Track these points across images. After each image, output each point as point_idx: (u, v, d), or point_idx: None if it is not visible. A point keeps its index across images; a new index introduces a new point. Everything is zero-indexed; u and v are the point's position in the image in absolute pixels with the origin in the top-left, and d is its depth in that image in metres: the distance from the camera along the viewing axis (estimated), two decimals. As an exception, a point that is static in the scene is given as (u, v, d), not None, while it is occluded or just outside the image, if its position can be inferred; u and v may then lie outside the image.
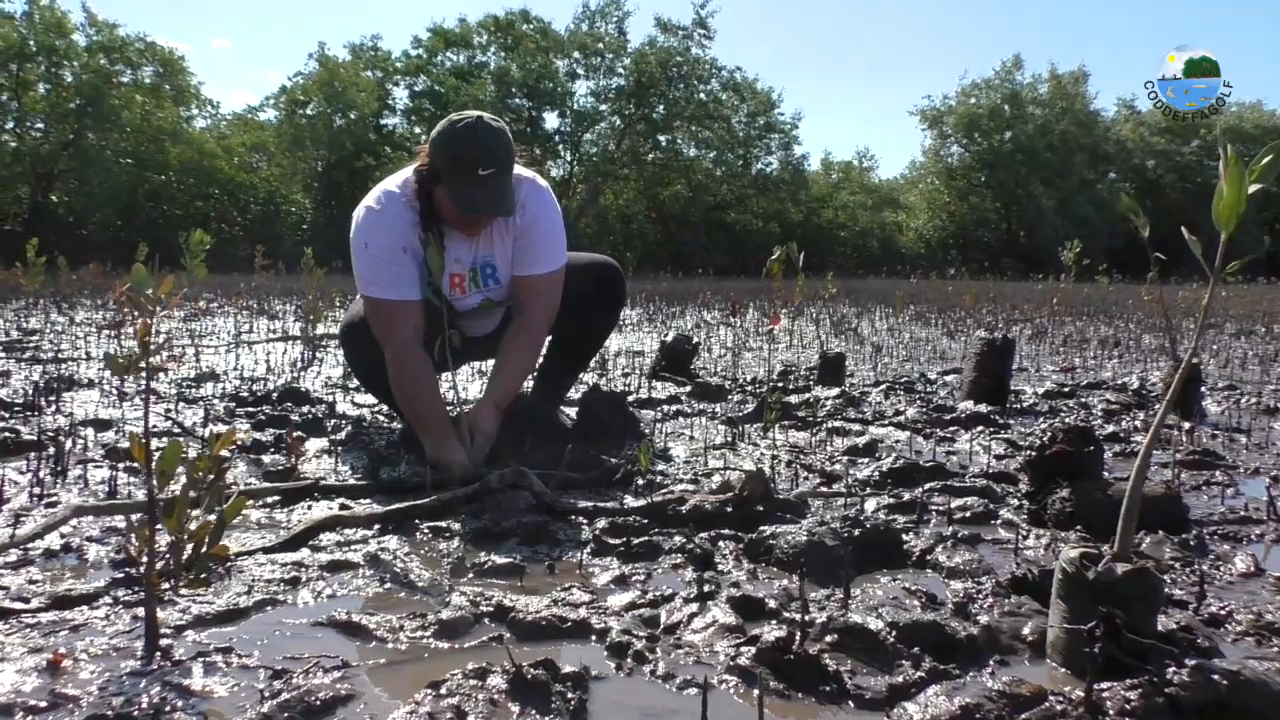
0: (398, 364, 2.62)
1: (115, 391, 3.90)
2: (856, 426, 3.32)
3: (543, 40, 35.01)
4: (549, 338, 3.25)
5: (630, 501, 2.24)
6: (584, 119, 35.60)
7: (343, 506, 2.18)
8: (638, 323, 9.02)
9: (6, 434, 2.80)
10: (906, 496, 2.29)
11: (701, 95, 35.83)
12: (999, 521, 2.16)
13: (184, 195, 30.33)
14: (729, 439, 3.09)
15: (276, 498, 2.23)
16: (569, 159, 36.05)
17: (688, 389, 4.23)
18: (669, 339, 4.79)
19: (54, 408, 3.52)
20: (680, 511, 2.08)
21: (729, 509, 2.09)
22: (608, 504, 2.17)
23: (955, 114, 41.30)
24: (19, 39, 27.69)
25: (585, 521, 2.08)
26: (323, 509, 2.17)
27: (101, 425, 3.10)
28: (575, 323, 2.97)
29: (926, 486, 2.38)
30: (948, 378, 4.82)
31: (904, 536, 1.95)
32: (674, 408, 3.68)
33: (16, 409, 3.38)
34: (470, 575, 1.76)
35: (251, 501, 2.19)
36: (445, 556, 1.86)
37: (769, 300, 11.87)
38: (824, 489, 2.42)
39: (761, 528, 1.93)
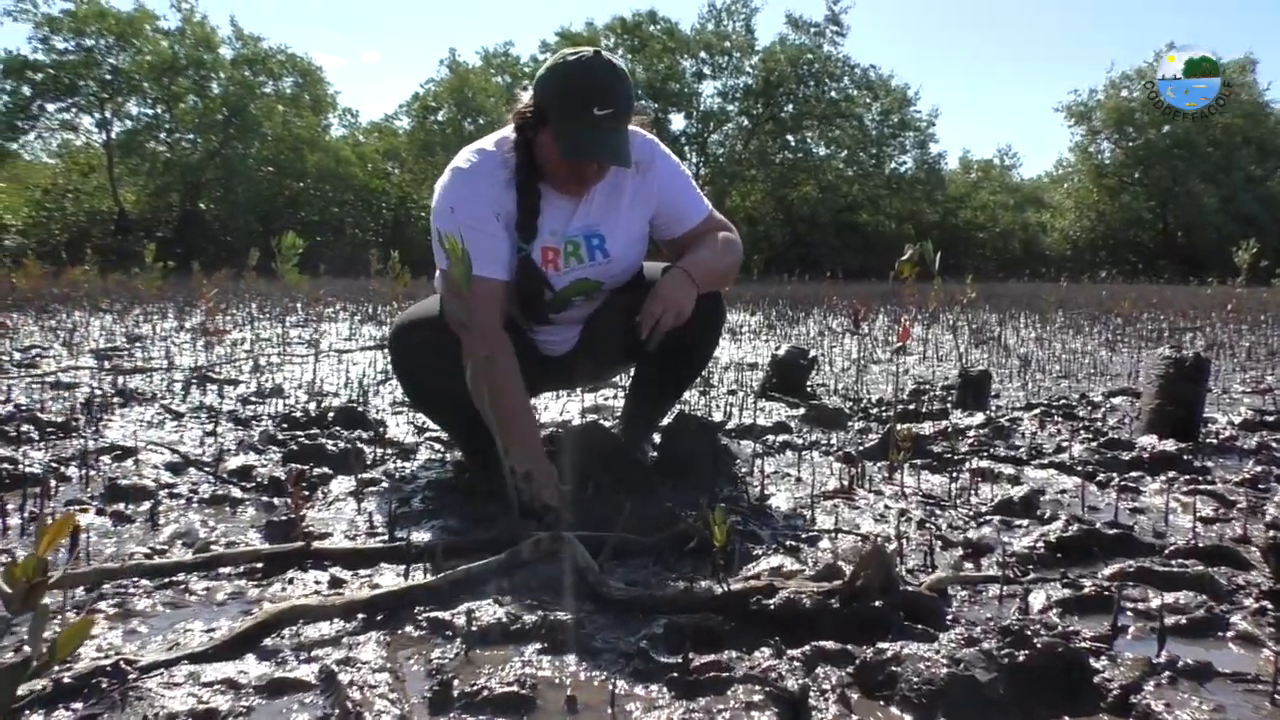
0: (481, 353, 2.14)
1: (167, 411, 3.57)
2: (1008, 468, 2.67)
3: (669, 41, 34.58)
4: (634, 367, 2.75)
5: (703, 584, 1.69)
6: (711, 120, 35.01)
7: (333, 582, 1.69)
8: (756, 330, 8.41)
9: (4, 464, 2.45)
10: (1087, 586, 1.65)
11: (833, 93, 34.70)
12: (1232, 634, 1.50)
13: (320, 201, 31.19)
14: (845, 483, 2.49)
15: (254, 565, 1.76)
16: (695, 160, 35.48)
17: (801, 412, 3.63)
18: (781, 352, 4.19)
19: (93, 428, 3.19)
20: (767, 607, 1.51)
21: (835, 604, 1.52)
22: (669, 590, 1.61)
23: (1104, 108, 38.83)
24: (171, 54, 29.01)
25: (637, 615, 1.54)
26: (310, 581, 1.70)
27: (124, 453, 2.73)
28: (668, 342, 2.44)
29: (1113, 568, 1.74)
30: (1115, 400, 4.06)
31: (1092, 662, 1.33)
32: (781, 438, 3.09)
33: (50, 430, 3.07)
34: (456, 711, 1.24)
35: (230, 570, 1.74)
36: (432, 673, 1.34)
37: (900, 306, 11.07)
38: (969, 568, 1.81)
39: (881, 645, 1.35)
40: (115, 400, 3.77)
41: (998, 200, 39.70)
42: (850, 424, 3.43)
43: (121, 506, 2.18)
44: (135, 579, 1.68)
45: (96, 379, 4.43)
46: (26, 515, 2.10)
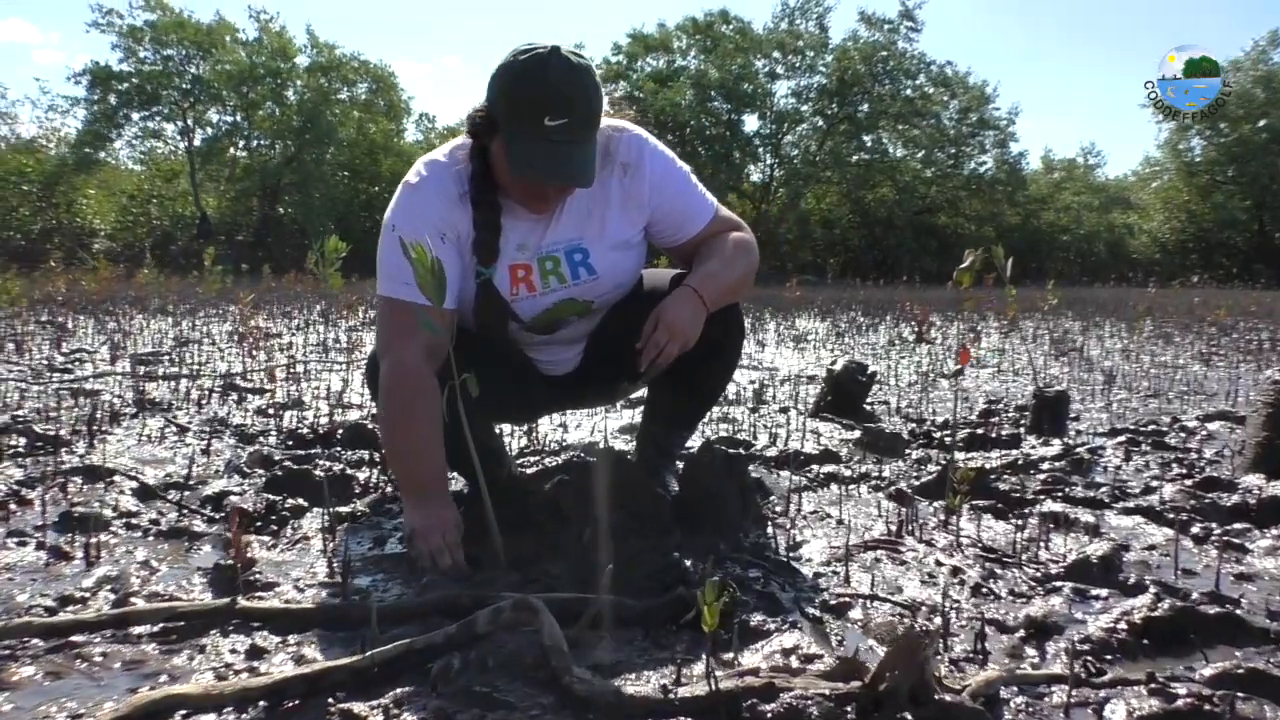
0: (389, 388, 1.87)
1: (173, 424, 3.37)
2: (1086, 514, 2.28)
3: (742, 40, 34.12)
4: (646, 389, 2.45)
5: (696, 671, 1.37)
6: (784, 120, 34.43)
7: (252, 651, 1.42)
8: (823, 339, 8.01)
9: (-38, 488, 2.25)
10: (1182, 696, 1.28)
11: (909, 92, 33.84)
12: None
13: (394, 205, 31.49)
14: (892, 528, 2.14)
15: (169, 624, 1.50)
16: (769, 162, 34.99)
17: (854, 436, 3.28)
18: (837, 368, 3.83)
19: (88, 443, 3.00)
20: (764, 715, 1.19)
21: (851, 716, 1.19)
22: (642, 689, 1.30)
23: (1197, 103, 37.13)
24: (249, 63, 29.62)
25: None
26: (226, 649, 1.43)
27: (98, 475, 2.51)
28: (683, 361, 2.13)
29: (1216, 668, 1.37)
30: (1212, 425, 3.61)
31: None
32: (826, 468, 2.74)
33: (40, 445, 2.88)
34: None
35: (144, 630, 1.47)
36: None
37: (978, 312, 10.55)
38: (1030, 657, 1.46)
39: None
40: (127, 411, 3.59)
41: (1082, 201, 38.29)
42: (908, 451, 3.06)
43: (66, 539, 1.95)
44: (24, 639, 1.43)
45: (121, 386, 4.27)
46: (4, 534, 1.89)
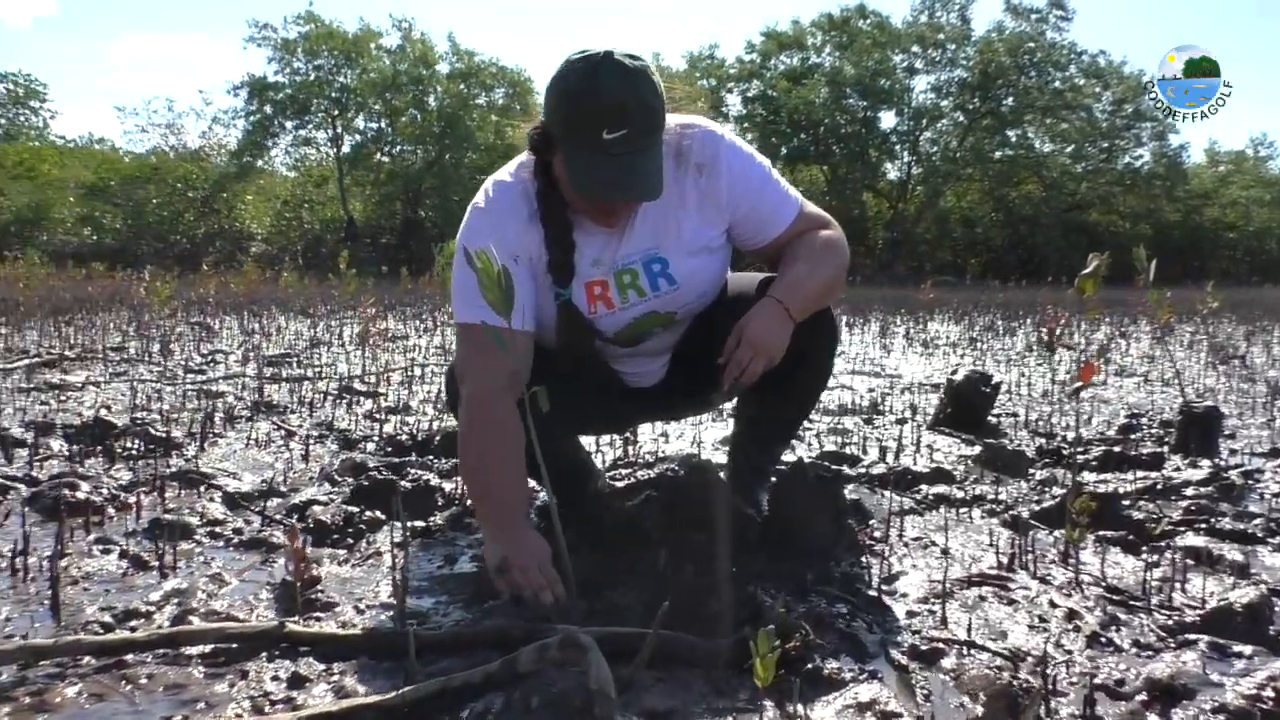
0: (470, 418, 1.79)
1: (283, 427, 3.42)
2: (1233, 551, 2.02)
3: (879, 35, 33.28)
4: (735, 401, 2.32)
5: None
6: (923, 116, 33.39)
7: (293, 680, 1.36)
8: (954, 344, 7.65)
9: (65, 487, 2.31)
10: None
11: (1057, 83, 32.27)
12: None
13: (530, 207, 32.17)
14: (1002, 560, 1.94)
15: (216, 646, 1.46)
16: (906, 159, 34.00)
17: (974, 452, 3.05)
18: (958, 377, 3.59)
19: (199, 445, 3.07)
20: (820, 788, 1.05)
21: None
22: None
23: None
24: (393, 71, 30.75)
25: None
26: (269, 675, 1.38)
27: (195, 481, 2.55)
28: (770, 372, 1.99)
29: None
30: (1393, 447, 3.21)
31: None
32: (937, 489, 2.54)
33: (153, 447, 2.96)
34: None
35: (196, 651, 1.44)
36: None
37: (1131, 315, 9.92)
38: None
39: None
40: (243, 414, 3.68)
41: (1251, 196, 35.68)
42: (1032, 471, 2.82)
43: (149, 548, 1.96)
44: (76, 657, 1.41)
45: (245, 389, 4.40)
46: (53, 552, 1.92)
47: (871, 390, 4.65)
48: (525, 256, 1.85)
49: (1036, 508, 2.34)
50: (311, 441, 3.17)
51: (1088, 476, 2.75)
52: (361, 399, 4.17)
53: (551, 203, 1.83)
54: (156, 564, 1.89)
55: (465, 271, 1.81)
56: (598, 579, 1.79)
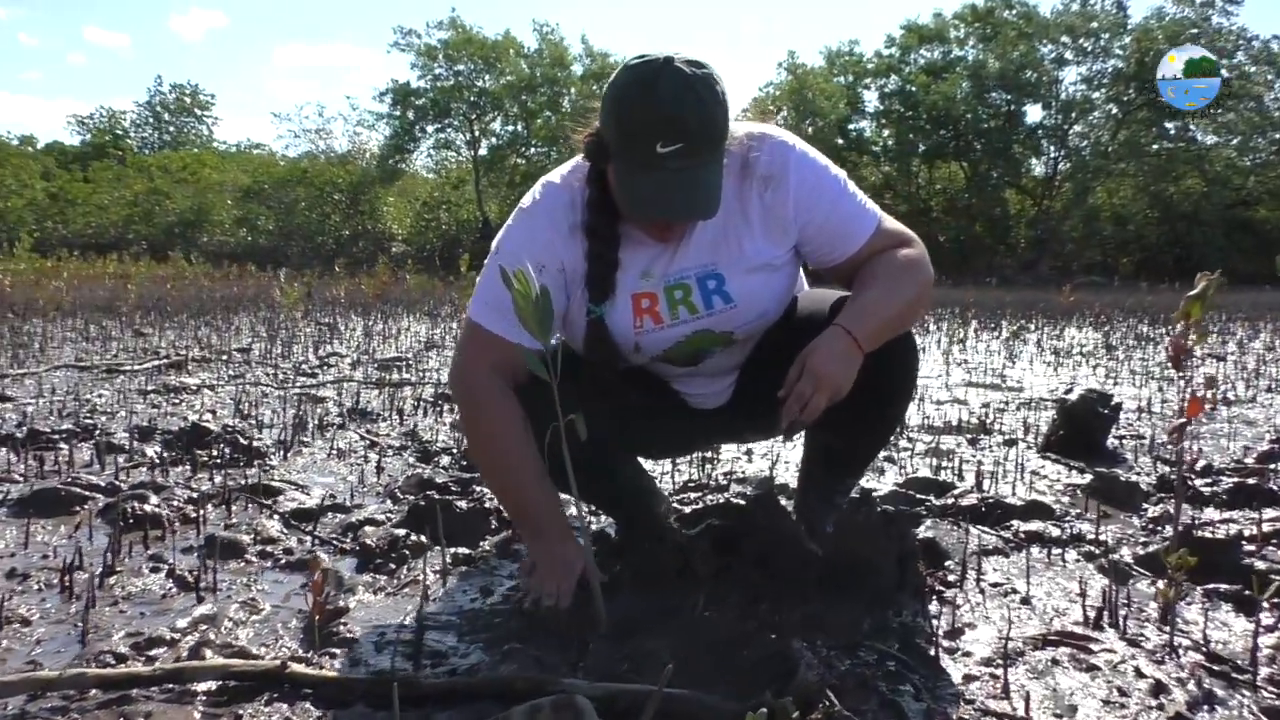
0: (470, 416, 1.80)
1: (369, 436, 3.45)
2: (1368, 615, 1.76)
3: (1026, 26, 31.85)
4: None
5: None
6: (1072, 109, 31.77)
7: (282, 727, 1.30)
8: (1090, 352, 7.18)
9: (135, 500, 2.35)
10: None
11: (1223, 72, 30.21)
12: None
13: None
14: (1091, 614, 1.74)
15: (220, 683, 1.42)
16: (1053, 154, 32.45)
17: (1084, 482, 2.80)
18: (1071, 397, 3.31)
19: (281, 455, 3.11)
20: None
21: None
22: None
23: None
24: (529, 74, 31.33)
25: None
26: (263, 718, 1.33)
27: (264, 494, 2.57)
28: (842, 403, 1.85)
29: None
30: None
31: None
32: (1031, 525, 2.32)
33: (236, 456, 3.01)
34: None
35: (204, 688, 1.41)
36: None
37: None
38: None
39: None
40: (334, 422, 3.73)
41: None
42: (1145, 506, 2.56)
43: (196, 567, 1.96)
44: (84, 690, 1.39)
45: (347, 394, 4.48)
46: (101, 570, 1.94)
47: (985, 405, 4.37)
48: (555, 267, 1.77)
49: (1142, 551, 2.11)
50: (391, 453, 3.17)
51: (1211, 513, 2.47)
52: (455, 407, 4.18)
53: (601, 213, 1.74)
54: (201, 585, 1.88)
55: (491, 272, 1.76)
56: (634, 618, 1.68)
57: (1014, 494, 2.61)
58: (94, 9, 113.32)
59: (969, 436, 3.55)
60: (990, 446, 3.39)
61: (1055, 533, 2.26)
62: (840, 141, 33.03)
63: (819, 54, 37.55)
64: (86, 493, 2.47)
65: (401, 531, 2.11)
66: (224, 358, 5.97)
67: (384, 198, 32.60)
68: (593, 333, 1.80)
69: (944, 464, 3.03)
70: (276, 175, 33.24)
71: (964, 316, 10.75)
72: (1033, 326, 9.55)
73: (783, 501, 2.40)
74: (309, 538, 2.20)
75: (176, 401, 4.28)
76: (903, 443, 3.41)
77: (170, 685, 1.41)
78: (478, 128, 32.67)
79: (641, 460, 2.33)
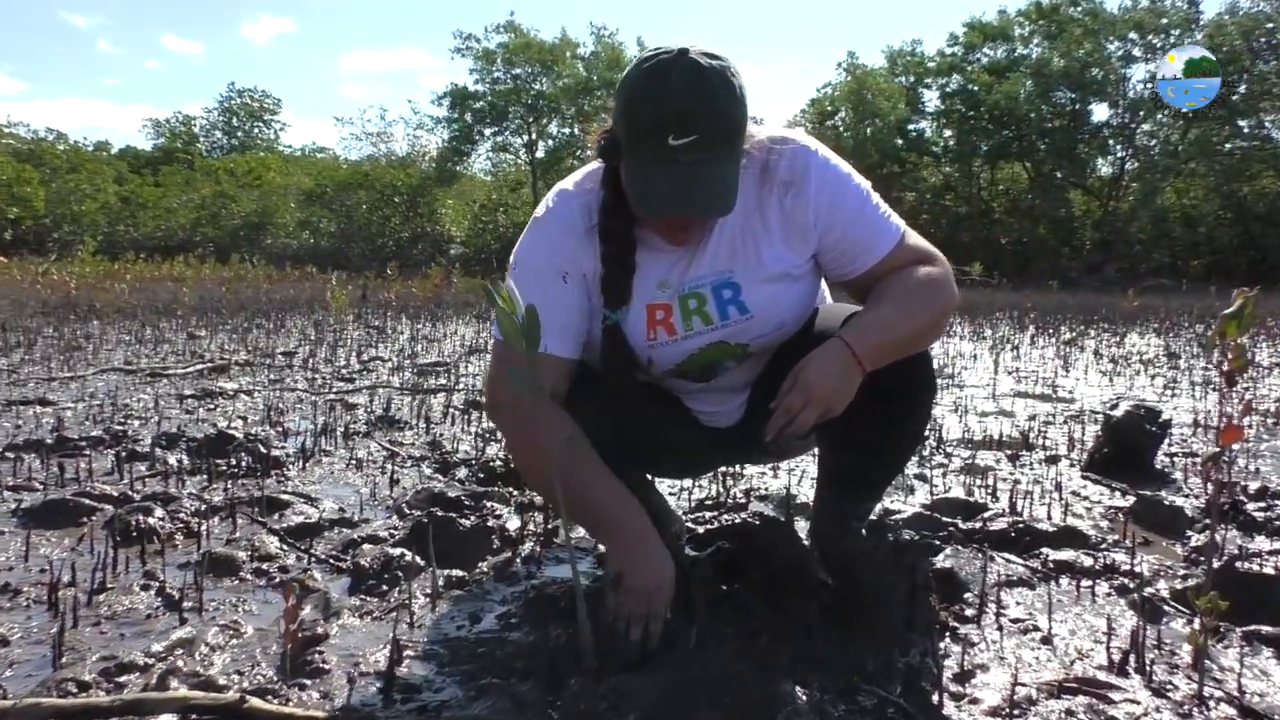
0: (520, 426, 1.69)
1: (390, 445, 3.41)
2: None
3: (1092, 23, 31.07)
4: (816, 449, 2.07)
5: None
6: (1140, 108, 30.91)
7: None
8: (1150, 360, 6.91)
9: (140, 512, 2.32)
10: None
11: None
12: None
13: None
14: (1116, 657, 1.61)
15: (179, 717, 1.37)
16: (1120, 154, 31.62)
17: (1126, 504, 2.65)
18: (1117, 412, 3.14)
19: (300, 465, 3.09)
20: None
21: None
22: None
23: None
24: (585, 77, 31.41)
25: None
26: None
27: (272, 506, 2.53)
28: (852, 422, 1.75)
29: None
30: None
31: None
32: (1062, 553, 2.18)
33: (255, 467, 2.99)
34: None
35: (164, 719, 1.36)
36: None
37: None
38: None
39: None
40: (359, 430, 3.70)
41: None
42: (1190, 534, 2.41)
43: (187, 586, 1.92)
44: (40, 722, 1.35)
45: (379, 401, 4.46)
46: (95, 585, 1.91)
47: (1032, 418, 4.20)
48: (578, 273, 1.70)
49: (1180, 585, 1.97)
50: (410, 463, 3.13)
51: (1261, 543, 2.31)
52: (485, 415, 4.13)
53: (616, 216, 1.67)
54: (188, 604, 1.85)
55: (518, 283, 1.68)
56: (628, 653, 1.60)
57: (1048, 518, 2.48)
58: (171, 18, 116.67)
59: (1009, 452, 3.40)
60: (1031, 464, 3.24)
61: (1087, 562, 2.12)
62: (899, 142, 32.61)
63: (880, 53, 36.98)
64: (96, 504, 2.46)
65: (396, 551, 2.05)
66: (268, 362, 6.02)
67: (442, 200, 32.94)
68: (609, 341, 1.72)
69: (978, 483, 2.90)
70: (338, 178, 33.78)
71: (1021, 321, 10.48)
72: (1092, 332, 9.26)
73: (801, 523, 2.30)
74: (306, 555, 2.15)
75: (211, 407, 4.30)
76: (937, 458, 3.28)
77: (130, 717, 1.36)
78: (534, 130, 32.85)
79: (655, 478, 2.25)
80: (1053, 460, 3.28)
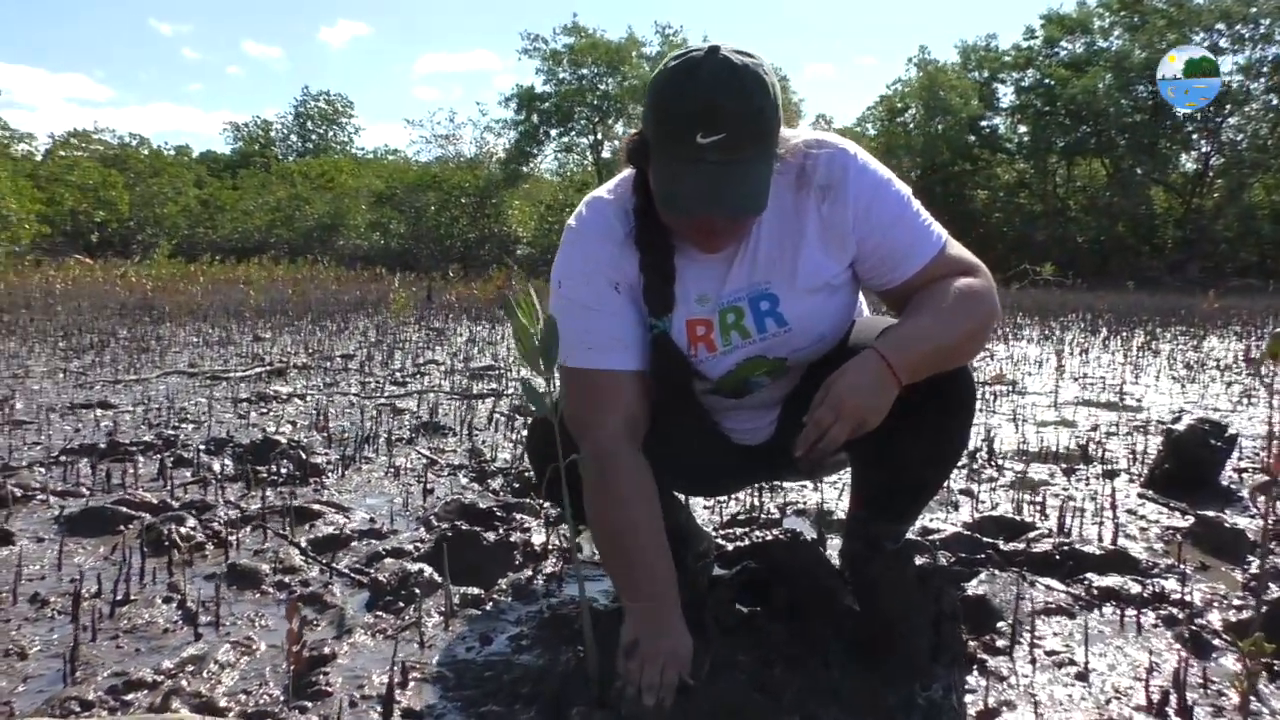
0: (597, 477, 1.61)
1: (430, 453, 3.41)
2: None
3: (1177, 14, 30.03)
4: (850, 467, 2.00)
5: None
6: (1226, 101, 29.76)
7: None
8: (1227, 365, 6.63)
9: (173, 523, 2.34)
10: None
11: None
12: None
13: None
14: (1155, 697, 1.51)
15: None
16: (1204, 149, 30.51)
17: (1186, 525, 2.52)
18: (1180, 426, 2.99)
19: (339, 473, 3.10)
20: None
21: None
22: None
23: None
24: (651, 76, 31.40)
25: None
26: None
27: (304, 516, 2.54)
28: (884, 440, 1.68)
29: None
30: None
31: None
32: (1109, 579, 2.06)
33: (296, 475, 3.01)
34: None
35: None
36: None
37: None
38: None
39: None
40: (403, 436, 3.72)
41: None
42: (1250, 559, 2.27)
43: (206, 599, 1.93)
44: (41, 741, 1.36)
45: (427, 406, 4.48)
46: (119, 597, 1.93)
47: (1094, 428, 4.04)
48: (626, 283, 1.65)
49: (1234, 617, 1.85)
50: (448, 472, 3.12)
51: (1329, 571, 2.17)
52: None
53: (651, 222, 1.61)
54: (206, 618, 1.85)
55: (563, 311, 1.64)
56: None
57: (1098, 539, 2.36)
58: (251, 24, 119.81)
59: (1065, 466, 3.26)
60: (1087, 479, 3.11)
61: (1135, 589, 2.01)
62: (971, 139, 31.93)
63: (954, 48, 36.28)
64: (135, 512, 2.49)
65: (415, 567, 2.03)
66: (326, 365, 6.10)
67: (509, 201, 33.18)
68: (659, 350, 1.66)
69: (1028, 499, 2.78)
70: (408, 180, 34.26)
71: (1093, 323, 10.16)
72: (1168, 335, 8.92)
73: (835, 541, 2.23)
74: (328, 569, 2.15)
75: (264, 410, 4.36)
76: (988, 472, 3.17)
77: (127, 738, 1.36)
78: (600, 130, 32.92)
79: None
80: (1110, 475, 3.14)
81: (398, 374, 5.72)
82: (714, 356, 1.71)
